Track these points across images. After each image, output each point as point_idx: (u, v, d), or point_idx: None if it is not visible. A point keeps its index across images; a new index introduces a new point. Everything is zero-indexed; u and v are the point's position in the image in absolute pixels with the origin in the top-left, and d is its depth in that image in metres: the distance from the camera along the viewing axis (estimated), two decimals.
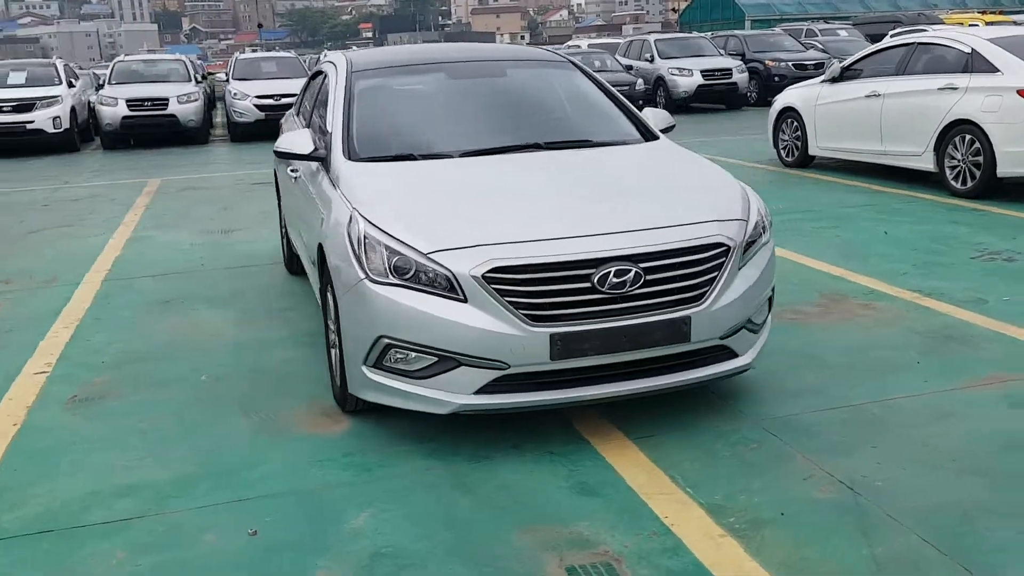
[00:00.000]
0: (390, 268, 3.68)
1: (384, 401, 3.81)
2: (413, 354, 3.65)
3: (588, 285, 3.56)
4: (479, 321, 3.54)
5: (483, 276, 3.53)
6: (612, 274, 3.57)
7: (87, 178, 13.38)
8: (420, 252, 3.65)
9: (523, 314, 3.54)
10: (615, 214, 3.87)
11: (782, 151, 11.52)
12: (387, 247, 3.72)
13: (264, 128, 16.67)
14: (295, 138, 4.77)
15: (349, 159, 4.50)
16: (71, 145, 17.00)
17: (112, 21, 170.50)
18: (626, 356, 3.67)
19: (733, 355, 3.93)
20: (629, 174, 4.42)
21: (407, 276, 3.64)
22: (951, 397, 4.21)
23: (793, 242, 7.25)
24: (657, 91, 20.91)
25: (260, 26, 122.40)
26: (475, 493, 3.49)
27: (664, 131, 5.18)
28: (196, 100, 17.59)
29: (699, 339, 3.76)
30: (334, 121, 4.77)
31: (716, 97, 20.61)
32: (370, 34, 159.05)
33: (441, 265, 3.59)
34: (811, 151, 10.93)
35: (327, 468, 3.72)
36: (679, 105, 19.94)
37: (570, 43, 30.57)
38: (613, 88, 5.50)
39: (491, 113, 5.04)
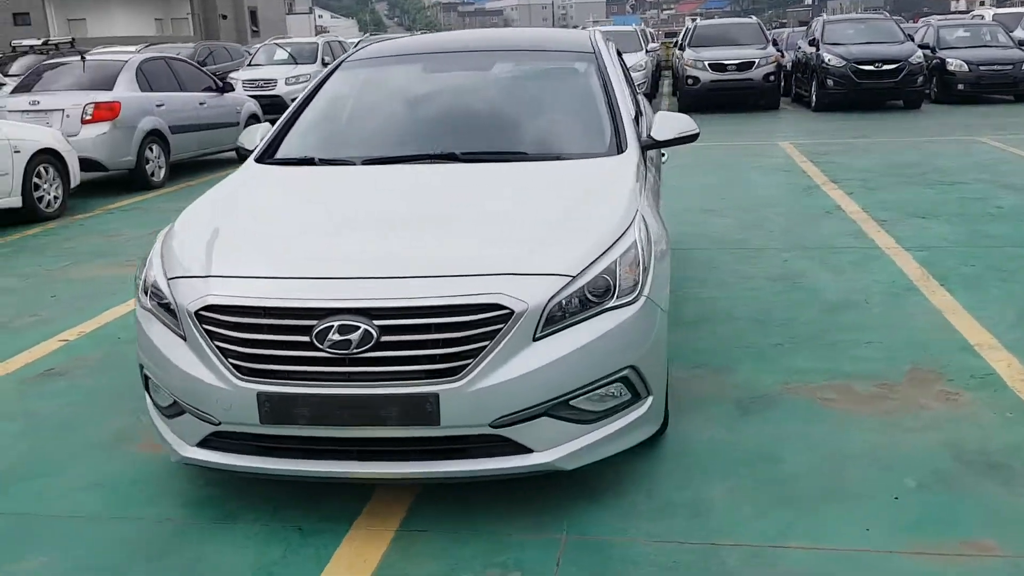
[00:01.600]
0: (148, 289, 3.33)
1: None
2: (161, 388, 3.28)
3: (306, 340, 2.91)
4: (190, 365, 3.07)
5: (196, 313, 3.04)
6: (335, 330, 2.88)
7: None
8: (165, 276, 3.25)
9: (232, 364, 3.00)
10: (403, 254, 3.14)
11: None
12: (154, 264, 3.37)
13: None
14: (253, 132, 4.52)
15: (258, 160, 4.16)
16: None
17: None
18: (357, 431, 2.97)
19: (524, 450, 3.01)
20: (502, 201, 3.57)
21: (159, 302, 3.26)
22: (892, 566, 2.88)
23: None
24: None
25: None
26: (161, 560, 3.05)
27: (672, 142, 4.16)
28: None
29: (454, 423, 2.93)
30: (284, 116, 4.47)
31: None
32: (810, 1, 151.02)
33: (172, 294, 3.16)
34: None
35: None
36: None
37: (974, 12, 26.39)
38: (631, 88, 4.52)
39: (438, 115, 4.40)
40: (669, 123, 4.25)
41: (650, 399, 3.27)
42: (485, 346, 2.89)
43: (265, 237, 3.39)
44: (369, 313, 2.90)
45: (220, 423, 3.06)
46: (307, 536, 3.15)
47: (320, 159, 4.08)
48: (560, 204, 3.47)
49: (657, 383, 3.30)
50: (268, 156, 4.21)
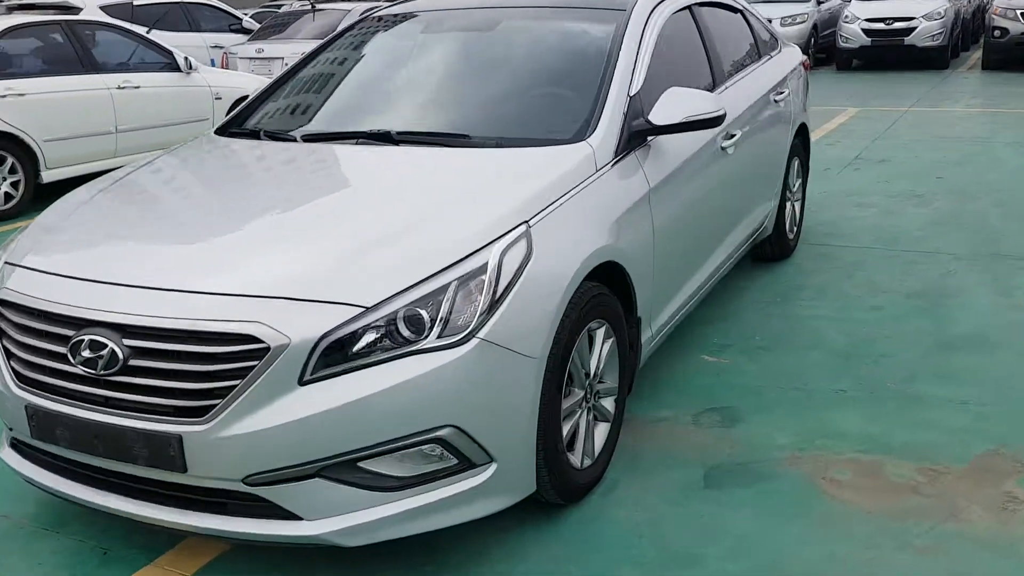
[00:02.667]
0: None
1: None
2: None
3: (64, 351, 2.53)
4: None
5: None
6: (86, 345, 2.47)
7: None
8: (1, 259, 2.99)
9: (12, 367, 2.69)
10: (184, 262, 2.63)
11: None
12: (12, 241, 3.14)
13: (872, 55, 15.85)
14: None
15: (218, 131, 3.81)
16: None
17: None
18: (113, 464, 2.55)
19: (292, 516, 2.43)
20: (369, 201, 2.91)
21: None
22: None
23: None
24: None
25: None
26: None
27: (677, 127, 3.30)
28: (801, 24, 16.34)
29: (202, 473, 2.42)
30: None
31: None
32: None
33: None
34: None
35: None
36: None
37: None
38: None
39: (399, 87, 3.78)
40: (676, 103, 3.34)
41: (492, 467, 2.55)
42: (235, 385, 2.34)
43: (99, 224, 3.02)
44: (123, 330, 2.45)
45: (13, 428, 2.78)
46: (108, 562, 2.81)
47: (265, 132, 3.64)
48: (424, 208, 2.78)
49: (508, 447, 2.57)
50: (236, 125, 3.84)
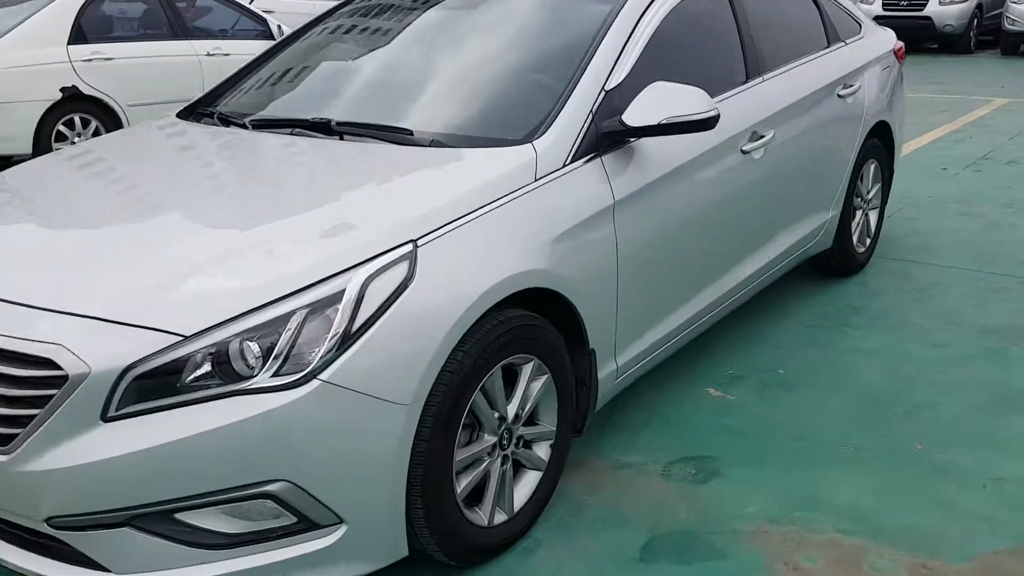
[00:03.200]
0: None
1: None
2: None
3: None
4: None
5: None
6: None
7: None
8: None
9: None
10: (32, 270, 2.34)
11: None
12: None
13: None
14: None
15: (184, 110, 3.55)
16: None
17: None
18: None
19: (98, 567, 2.13)
20: (264, 207, 2.55)
21: None
22: None
23: None
24: None
25: None
26: None
27: (655, 130, 2.81)
28: (962, 3, 14.94)
29: (8, 508, 2.16)
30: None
31: None
32: None
33: None
34: None
35: None
36: None
37: None
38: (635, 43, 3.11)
39: (358, 69, 3.41)
40: (657, 101, 2.83)
41: (341, 529, 2.18)
42: (34, 416, 2.06)
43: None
44: None
45: None
46: None
47: (220, 115, 3.35)
48: (301, 218, 2.41)
49: (364, 506, 2.19)
50: (205, 104, 3.57)
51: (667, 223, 3.04)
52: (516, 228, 2.52)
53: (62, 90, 7.52)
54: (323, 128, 2.98)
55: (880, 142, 4.77)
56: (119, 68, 7.88)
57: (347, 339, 2.10)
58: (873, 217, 4.90)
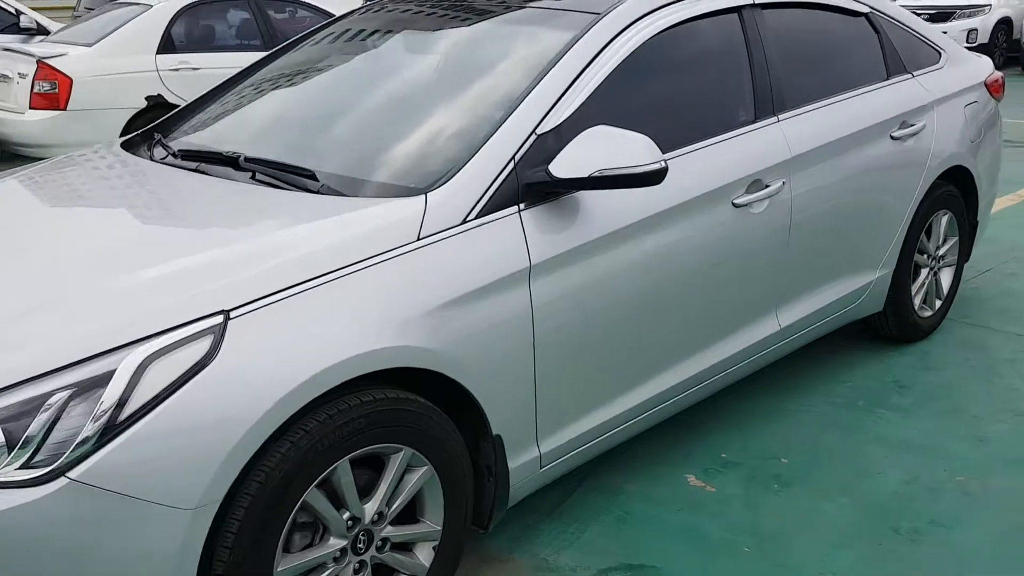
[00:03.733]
0: None
1: None
2: None
3: None
4: None
5: None
6: None
7: None
8: None
9: None
10: None
11: None
12: None
13: None
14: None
15: (130, 139, 3.33)
16: None
17: None
18: None
19: None
20: (84, 261, 2.21)
21: None
22: None
23: None
24: None
25: None
26: None
27: (584, 183, 2.39)
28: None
29: None
30: None
31: None
32: None
33: None
34: None
35: None
36: None
37: None
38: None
39: (307, 100, 3.08)
40: (594, 148, 2.39)
41: None
42: None
43: None
44: None
45: None
46: None
47: (157, 141, 3.09)
48: (107, 278, 2.09)
49: None
50: (163, 130, 3.34)
51: (610, 292, 2.58)
52: (379, 296, 2.14)
53: (147, 98, 7.61)
54: (233, 163, 2.68)
55: (959, 190, 4.10)
56: (205, 78, 7.89)
57: (110, 430, 1.79)
58: (947, 276, 4.22)
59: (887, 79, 3.75)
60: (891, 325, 3.98)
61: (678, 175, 2.73)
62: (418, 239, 2.24)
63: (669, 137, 2.78)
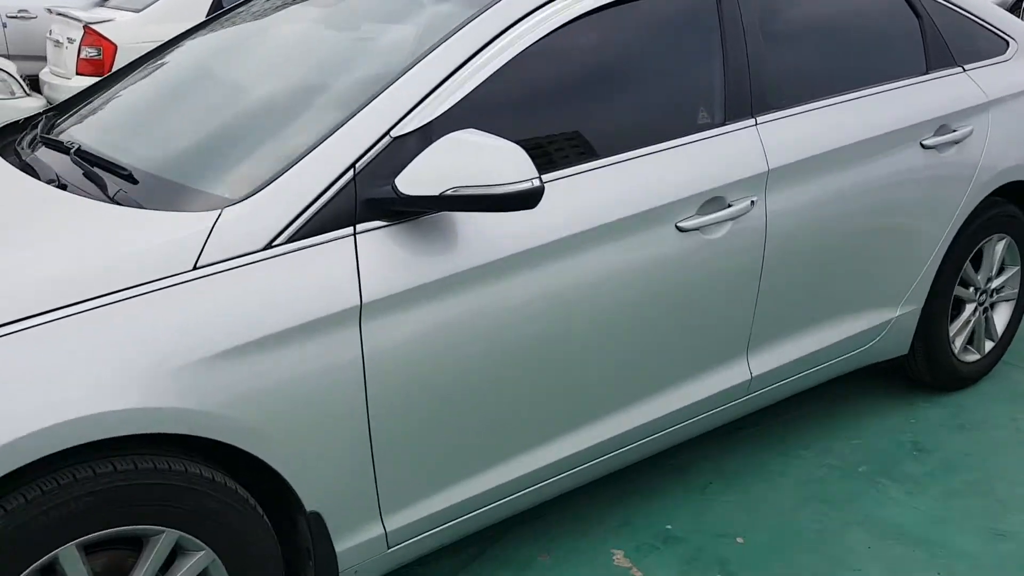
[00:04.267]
0: None
1: None
2: None
3: None
4: None
5: None
6: None
7: None
8: None
9: None
10: None
11: None
12: None
13: None
14: None
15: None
16: None
17: None
18: None
19: None
20: None
21: None
22: None
23: None
24: None
25: None
26: None
27: (436, 203, 1.90)
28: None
29: None
30: None
31: None
32: None
33: None
34: None
35: None
36: None
37: None
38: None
39: (175, 89, 2.61)
40: (449, 161, 1.87)
41: None
42: None
43: None
44: None
45: None
46: None
47: (31, 128, 2.73)
48: None
49: None
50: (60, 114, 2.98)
51: (481, 340, 2.06)
52: (128, 342, 1.68)
53: None
54: (66, 152, 2.28)
55: (1020, 209, 3.37)
56: None
57: None
58: (1003, 313, 3.50)
59: (925, 73, 3.06)
60: (922, 370, 3.31)
61: (594, 192, 2.19)
62: (194, 267, 1.77)
63: (590, 143, 2.23)
